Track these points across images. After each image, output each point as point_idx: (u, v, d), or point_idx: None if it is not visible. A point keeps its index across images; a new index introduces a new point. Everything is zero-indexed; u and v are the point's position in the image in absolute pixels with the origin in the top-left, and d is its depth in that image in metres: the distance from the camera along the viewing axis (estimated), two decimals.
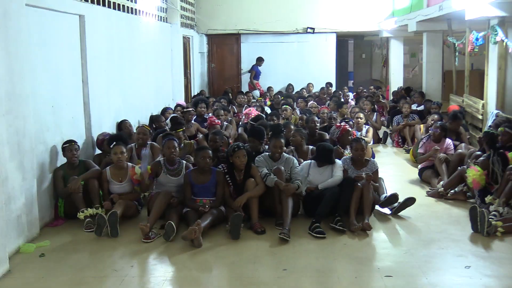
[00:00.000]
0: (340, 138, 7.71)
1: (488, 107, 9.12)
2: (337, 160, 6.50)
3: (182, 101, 12.27)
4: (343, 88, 15.73)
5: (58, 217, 6.24)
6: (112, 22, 8.52)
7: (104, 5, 8.43)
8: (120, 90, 8.71)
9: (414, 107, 11.75)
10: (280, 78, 16.71)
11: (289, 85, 16.36)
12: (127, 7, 9.69)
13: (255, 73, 16.26)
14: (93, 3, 7.97)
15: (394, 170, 8.73)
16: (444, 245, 5.37)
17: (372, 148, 8.50)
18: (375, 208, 6.42)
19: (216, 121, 8.78)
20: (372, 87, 16.25)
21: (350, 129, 7.90)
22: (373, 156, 7.84)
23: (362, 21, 16.31)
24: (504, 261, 4.96)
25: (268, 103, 13.15)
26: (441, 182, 7.22)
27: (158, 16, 12.00)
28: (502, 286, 4.48)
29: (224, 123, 9.44)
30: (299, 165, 6.53)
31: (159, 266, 5.02)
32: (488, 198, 6.17)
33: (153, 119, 9.61)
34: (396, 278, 4.64)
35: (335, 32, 16.63)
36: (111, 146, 6.52)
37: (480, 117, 9.51)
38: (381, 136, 11.35)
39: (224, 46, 16.99)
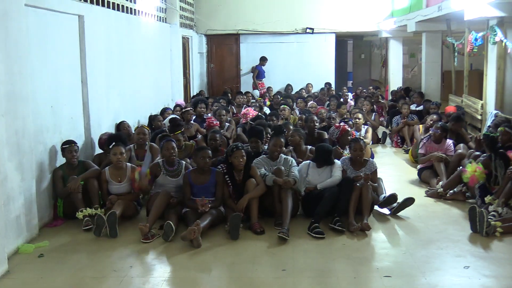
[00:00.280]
0: (339, 138, 7.72)
1: (487, 107, 9.13)
2: (336, 161, 6.50)
3: (181, 101, 12.27)
4: (342, 89, 15.75)
5: (57, 218, 6.24)
6: (111, 22, 8.53)
7: (103, 5, 8.43)
8: (119, 90, 8.71)
9: (413, 107, 11.77)
10: (279, 79, 16.71)
11: (288, 85, 16.37)
12: (126, 7, 9.69)
13: (258, 72, 16.26)
14: (92, 3, 7.97)
15: (393, 170, 8.73)
16: (443, 245, 5.37)
17: (371, 149, 8.52)
18: (374, 208, 6.42)
19: (215, 122, 8.76)
20: (371, 87, 16.27)
21: (349, 129, 7.91)
22: (372, 157, 7.86)
23: (361, 22, 16.32)
24: (503, 261, 4.96)
25: (268, 103, 13.16)
26: (440, 183, 7.23)
27: (157, 16, 12.00)
28: (501, 286, 4.48)
29: (226, 123, 9.43)
30: (298, 165, 6.54)
31: (158, 266, 5.02)
32: (487, 198, 6.17)
33: (151, 119, 9.61)
34: (395, 278, 4.64)
35: (334, 33, 16.63)
36: (110, 147, 6.51)
37: (479, 117, 9.52)
38: (380, 136, 11.36)
39: (223, 46, 16.99)
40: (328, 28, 16.46)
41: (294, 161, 6.50)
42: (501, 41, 8.34)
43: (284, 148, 6.76)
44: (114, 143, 6.51)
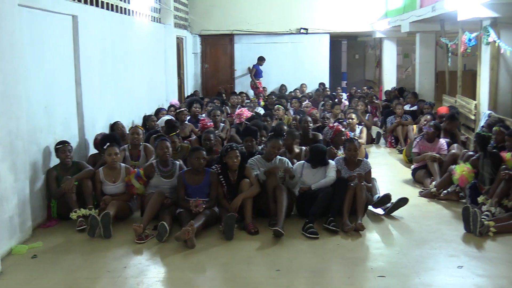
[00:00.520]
0: (333, 138, 7.73)
1: (481, 107, 9.16)
2: (330, 161, 6.51)
3: (175, 101, 12.26)
4: (336, 89, 15.77)
5: (51, 218, 6.21)
6: (105, 22, 8.51)
7: (97, 5, 8.41)
8: (114, 90, 8.69)
9: (407, 107, 11.80)
10: (273, 79, 16.73)
11: (282, 85, 16.38)
12: (120, 7, 9.68)
13: (255, 70, 16.25)
14: (86, 3, 7.95)
15: (387, 170, 8.76)
16: (437, 245, 5.39)
17: (365, 149, 8.53)
18: (368, 208, 6.44)
19: (209, 123, 8.74)
20: (365, 87, 16.30)
21: (343, 129, 7.92)
22: (366, 157, 7.87)
23: (355, 22, 16.36)
24: (496, 261, 4.98)
25: (262, 103, 13.16)
26: (434, 183, 7.25)
27: (152, 16, 11.99)
28: (494, 286, 4.50)
29: (220, 124, 9.43)
30: (292, 166, 6.55)
31: (152, 267, 5.01)
32: (480, 198, 6.20)
33: (145, 119, 9.60)
34: (389, 278, 4.66)
35: (329, 33, 16.67)
36: (105, 147, 6.49)
37: (473, 117, 9.55)
38: (374, 137, 11.38)
39: (217, 47, 16.98)
40: (322, 29, 16.49)
41: (288, 161, 6.51)
42: (494, 41, 8.37)
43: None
44: (108, 144, 6.49)
